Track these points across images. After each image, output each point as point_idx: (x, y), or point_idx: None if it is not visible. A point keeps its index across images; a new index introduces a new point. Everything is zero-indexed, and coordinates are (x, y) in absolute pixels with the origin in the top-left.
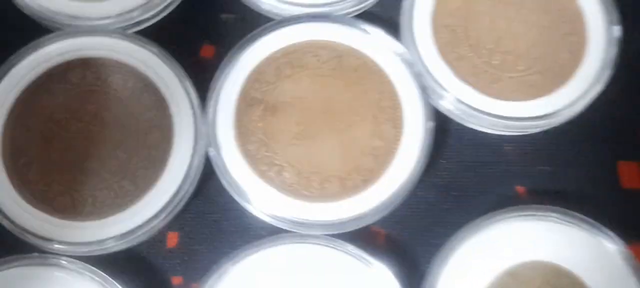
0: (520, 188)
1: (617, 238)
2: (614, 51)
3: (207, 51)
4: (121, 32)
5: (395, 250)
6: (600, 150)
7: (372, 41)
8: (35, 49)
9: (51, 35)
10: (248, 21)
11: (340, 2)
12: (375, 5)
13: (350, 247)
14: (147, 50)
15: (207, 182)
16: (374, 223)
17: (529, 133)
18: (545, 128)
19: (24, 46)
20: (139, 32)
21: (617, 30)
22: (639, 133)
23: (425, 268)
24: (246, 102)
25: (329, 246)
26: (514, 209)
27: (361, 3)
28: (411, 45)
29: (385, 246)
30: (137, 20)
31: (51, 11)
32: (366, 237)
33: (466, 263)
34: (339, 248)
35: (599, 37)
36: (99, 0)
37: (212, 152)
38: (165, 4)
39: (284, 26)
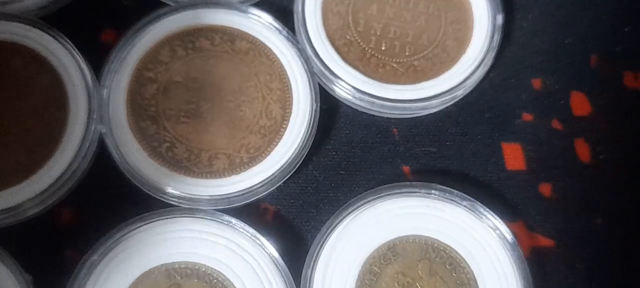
0: (406, 168)
1: (494, 216)
2: (497, 37)
3: (108, 35)
4: (23, 17)
5: (283, 226)
6: (485, 132)
7: (263, 26)
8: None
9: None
10: (149, 6)
11: None
12: None
13: (236, 222)
14: (47, 35)
15: (102, 159)
16: (262, 200)
17: (416, 116)
18: (431, 110)
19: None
20: (43, 18)
21: (500, 18)
22: (522, 116)
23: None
24: (139, 82)
25: (216, 220)
26: (395, 185)
27: None
28: (302, 30)
29: (273, 222)
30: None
31: None
32: (255, 213)
33: (348, 237)
34: (225, 222)
35: (483, 24)
36: None
37: (103, 129)
38: None
39: (179, 11)
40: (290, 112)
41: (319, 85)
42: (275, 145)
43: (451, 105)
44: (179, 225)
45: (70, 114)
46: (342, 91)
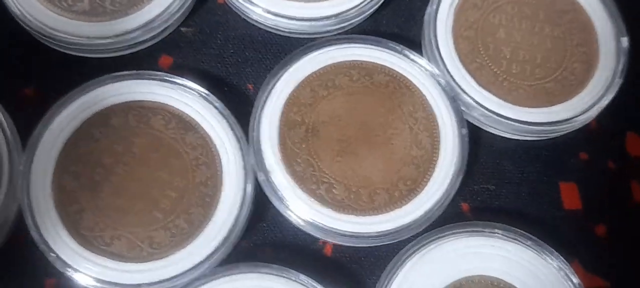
0: (464, 205)
1: (558, 256)
2: (623, 60)
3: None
4: (159, 74)
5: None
6: (542, 171)
7: (399, 57)
8: (75, 97)
9: (90, 82)
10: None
11: (326, 18)
12: (393, 25)
13: (303, 277)
14: (184, 90)
15: (260, 207)
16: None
17: (541, 139)
18: (560, 133)
19: (65, 93)
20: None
21: (625, 41)
22: (580, 156)
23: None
24: (287, 125)
25: (282, 276)
26: (459, 225)
27: (350, 20)
28: (437, 56)
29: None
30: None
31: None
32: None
33: (413, 278)
34: (292, 278)
35: (609, 47)
36: (100, 21)
37: (261, 177)
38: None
39: (313, 50)
40: (439, 140)
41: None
42: (431, 175)
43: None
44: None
45: (223, 171)
46: (477, 114)
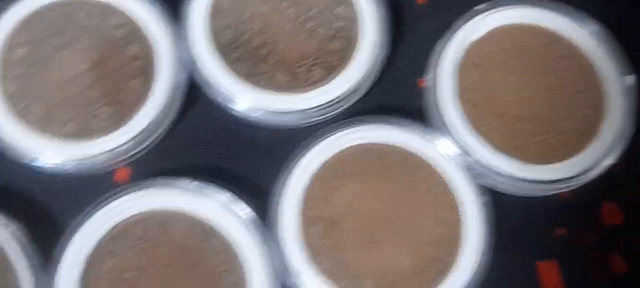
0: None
1: None
2: (631, 101)
3: None
4: (173, 182)
5: None
6: (517, 251)
7: (406, 134)
8: (91, 214)
9: (104, 196)
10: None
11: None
12: (386, 99)
13: None
14: (203, 196)
15: None
16: None
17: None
18: (577, 185)
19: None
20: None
21: (629, 80)
22: (556, 232)
23: None
24: (307, 222)
25: None
26: None
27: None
28: (443, 126)
29: None
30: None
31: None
32: None
33: None
34: None
35: (614, 89)
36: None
37: (290, 281)
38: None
39: (318, 141)
40: (460, 215)
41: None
42: (458, 252)
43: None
44: None
45: (247, 276)
46: (496, 180)
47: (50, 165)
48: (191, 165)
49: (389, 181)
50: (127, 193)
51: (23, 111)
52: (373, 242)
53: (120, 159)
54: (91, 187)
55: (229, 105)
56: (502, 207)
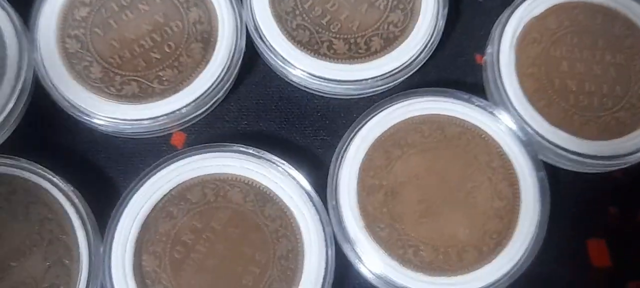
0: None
1: None
2: None
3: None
4: (231, 147)
5: None
6: (568, 228)
7: (468, 106)
8: (149, 176)
9: (163, 159)
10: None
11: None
12: (443, 74)
13: None
14: (260, 161)
15: (347, 276)
16: None
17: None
18: (632, 163)
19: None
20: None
21: None
22: (609, 211)
23: None
24: (366, 191)
25: None
26: None
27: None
28: (505, 99)
29: None
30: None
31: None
32: None
33: None
34: None
35: None
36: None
37: (347, 248)
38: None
39: (380, 110)
40: (519, 188)
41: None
42: (516, 225)
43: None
44: None
45: (304, 242)
46: (554, 155)
47: (108, 126)
48: (247, 132)
49: (449, 153)
50: (185, 157)
51: (83, 71)
52: (431, 212)
53: (178, 122)
54: (148, 151)
55: (287, 72)
56: (558, 182)
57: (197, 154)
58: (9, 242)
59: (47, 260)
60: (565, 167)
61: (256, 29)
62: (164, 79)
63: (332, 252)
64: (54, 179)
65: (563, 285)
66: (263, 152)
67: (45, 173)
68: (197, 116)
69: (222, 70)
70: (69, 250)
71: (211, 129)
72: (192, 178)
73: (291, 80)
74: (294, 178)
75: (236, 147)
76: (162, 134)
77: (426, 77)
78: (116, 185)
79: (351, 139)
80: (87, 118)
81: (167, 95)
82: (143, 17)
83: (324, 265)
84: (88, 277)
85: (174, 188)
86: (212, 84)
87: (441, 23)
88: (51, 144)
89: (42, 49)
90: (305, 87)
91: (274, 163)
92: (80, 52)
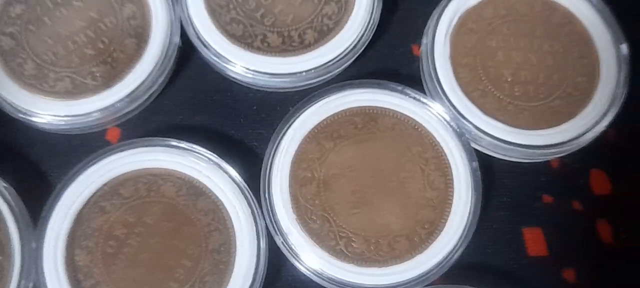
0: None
1: None
2: (625, 69)
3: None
4: (164, 142)
5: None
6: (504, 218)
7: (400, 98)
8: (82, 170)
9: (96, 154)
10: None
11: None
12: (379, 65)
13: None
14: (192, 155)
15: (280, 269)
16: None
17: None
18: (567, 152)
19: (70, 170)
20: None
21: (624, 48)
22: (543, 199)
23: None
24: (299, 183)
25: None
26: None
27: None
28: (438, 90)
29: None
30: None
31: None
32: None
33: None
34: None
35: (609, 57)
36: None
37: (278, 240)
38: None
39: (313, 103)
40: (451, 178)
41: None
42: (448, 215)
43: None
44: None
45: (236, 236)
46: (487, 145)
47: (42, 123)
48: (182, 126)
49: (382, 144)
50: (118, 152)
51: (17, 68)
52: (364, 203)
53: (113, 118)
54: (82, 146)
55: (222, 66)
56: (493, 172)
57: (130, 149)
58: None
59: None
60: (500, 157)
61: (190, 23)
62: (98, 74)
63: (264, 245)
64: None
65: (499, 274)
66: (195, 146)
67: None
68: (131, 111)
69: (156, 65)
70: (1, 246)
71: (146, 123)
72: (124, 173)
73: (227, 75)
74: (226, 172)
75: (168, 141)
76: (97, 130)
77: (363, 69)
78: (51, 181)
79: (285, 132)
80: (22, 115)
81: (100, 91)
82: (77, 13)
83: (255, 258)
84: (20, 272)
85: (106, 183)
86: (146, 79)
87: (377, 15)
88: None
89: None
90: (241, 81)
91: (206, 157)
92: (14, 49)
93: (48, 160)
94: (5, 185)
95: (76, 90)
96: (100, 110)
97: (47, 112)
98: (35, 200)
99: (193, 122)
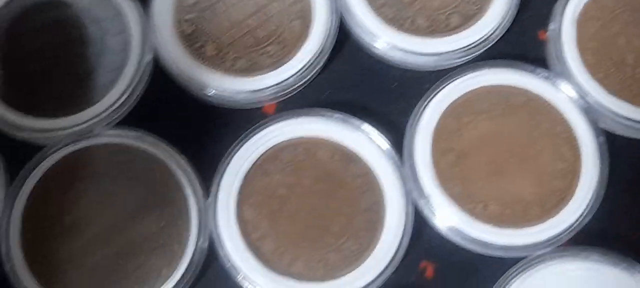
0: None
1: None
2: None
3: None
4: (319, 112)
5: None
6: (626, 189)
7: (531, 77)
8: (248, 138)
9: (259, 123)
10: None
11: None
12: (513, 48)
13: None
14: (345, 125)
15: (421, 230)
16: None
17: None
18: None
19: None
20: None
21: None
22: None
23: None
24: (439, 152)
25: None
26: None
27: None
28: (564, 71)
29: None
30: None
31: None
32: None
33: None
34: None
35: None
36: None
37: (421, 202)
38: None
39: (452, 80)
40: (580, 151)
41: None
42: (577, 184)
43: None
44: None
45: (386, 196)
46: (612, 122)
47: (217, 99)
48: (334, 100)
49: (515, 119)
50: (279, 121)
51: (199, 50)
52: (499, 172)
53: (282, 92)
54: (243, 118)
55: (372, 46)
56: (616, 147)
57: (289, 119)
58: (128, 205)
59: (163, 220)
60: (622, 134)
61: (347, 6)
62: (271, 53)
63: (410, 206)
64: (168, 148)
65: (621, 240)
66: (347, 116)
67: (160, 143)
68: (296, 88)
69: (321, 44)
70: (180, 208)
71: (301, 98)
72: (284, 140)
73: (375, 54)
74: (374, 140)
75: (324, 111)
76: (259, 105)
77: (493, 51)
78: (218, 148)
79: (425, 106)
80: (200, 91)
81: (273, 68)
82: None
83: (403, 216)
84: (198, 233)
85: (269, 149)
86: (311, 58)
87: (515, 3)
88: (165, 116)
89: (160, 33)
90: (388, 60)
91: (357, 126)
92: (194, 33)
93: (215, 131)
94: (183, 157)
95: (253, 68)
96: (274, 85)
97: (227, 87)
98: (205, 166)
99: (343, 97)
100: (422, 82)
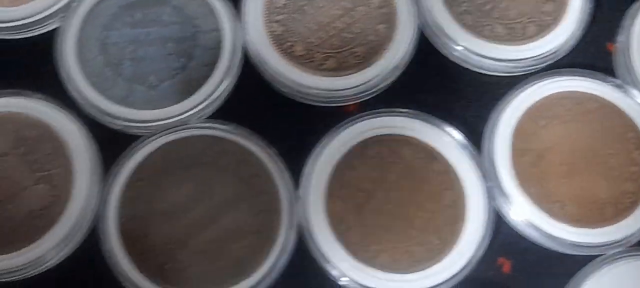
0: None
1: None
2: None
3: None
4: (403, 112)
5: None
6: None
7: (603, 85)
8: (336, 134)
9: (346, 121)
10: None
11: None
12: (583, 57)
13: None
14: (428, 125)
15: (500, 225)
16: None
17: None
18: None
19: (323, 132)
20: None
21: None
22: None
23: None
24: (518, 152)
25: None
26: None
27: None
28: (633, 80)
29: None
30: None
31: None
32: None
33: None
34: None
35: None
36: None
37: (501, 200)
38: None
39: (529, 86)
40: None
41: None
42: None
43: None
44: None
45: (466, 192)
46: None
47: (304, 97)
48: (413, 101)
49: (587, 124)
50: (365, 119)
51: (288, 49)
52: (575, 173)
53: (367, 92)
54: (330, 116)
55: (451, 51)
56: None
57: (375, 117)
58: (222, 194)
59: (255, 208)
60: None
61: (429, 12)
62: (358, 54)
63: (491, 204)
64: (259, 140)
65: None
66: (430, 116)
67: (251, 136)
68: (383, 86)
69: (405, 48)
70: (272, 200)
71: (381, 98)
72: (370, 137)
73: (453, 59)
74: (456, 140)
75: (408, 111)
76: (343, 103)
77: (563, 61)
78: (303, 143)
79: (503, 109)
80: (288, 88)
81: (360, 69)
82: (333, 3)
83: (484, 213)
84: (289, 217)
85: (356, 144)
86: (397, 59)
87: (587, 15)
88: (254, 111)
89: (251, 33)
90: (466, 64)
91: (439, 126)
92: (284, 34)
93: (303, 128)
94: (272, 149)
95: (340, 68)
96: (360, 85)
97: (313, 86)
98: (292, 161)
99: (423, 98)
100: (498, 86)
